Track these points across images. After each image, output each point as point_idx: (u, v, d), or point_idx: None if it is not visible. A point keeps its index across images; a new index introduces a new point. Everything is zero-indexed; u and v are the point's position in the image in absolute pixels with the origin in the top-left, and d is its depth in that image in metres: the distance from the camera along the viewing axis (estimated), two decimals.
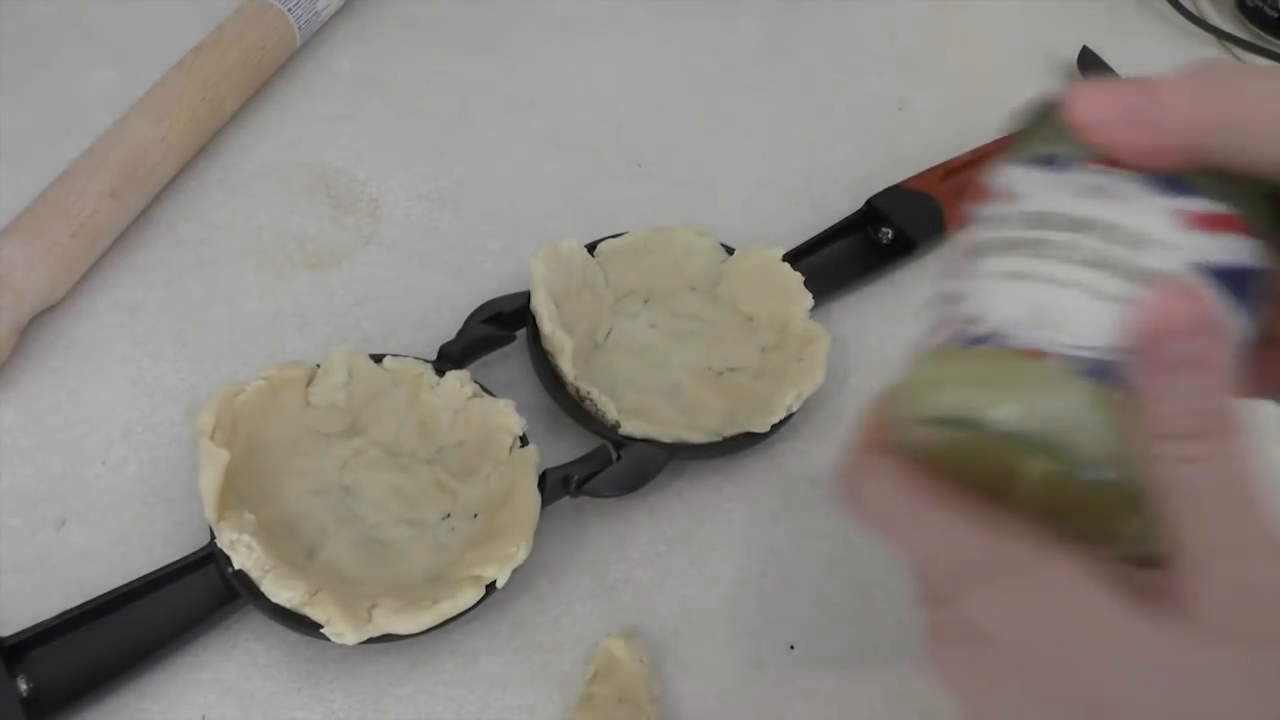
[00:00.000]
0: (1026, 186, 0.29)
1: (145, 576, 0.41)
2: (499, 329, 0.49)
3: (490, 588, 0.41)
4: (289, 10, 0.61)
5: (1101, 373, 0.26)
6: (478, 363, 0.49)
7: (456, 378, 0.47)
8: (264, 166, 0.58)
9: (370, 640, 0.40)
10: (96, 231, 0.51)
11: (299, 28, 0.61)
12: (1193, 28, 0.74)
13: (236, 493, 0.42)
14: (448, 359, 0.48)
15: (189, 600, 0.41)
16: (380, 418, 0.47)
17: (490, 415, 0.46)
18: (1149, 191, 0.27)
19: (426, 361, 0.48)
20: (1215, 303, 0.26)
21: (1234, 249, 0.27)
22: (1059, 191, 0.28)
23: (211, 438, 0.42)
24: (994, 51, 0.72)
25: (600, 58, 0.66)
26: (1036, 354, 0.26)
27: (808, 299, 0.51)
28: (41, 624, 0.40)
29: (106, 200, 0.51)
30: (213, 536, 0.41)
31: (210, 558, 0.42)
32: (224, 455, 0.42)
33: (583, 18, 0.69)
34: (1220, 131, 0.26)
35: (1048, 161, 0.29)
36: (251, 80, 0.59)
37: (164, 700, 0.41)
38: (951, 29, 0.73)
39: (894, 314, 0.56)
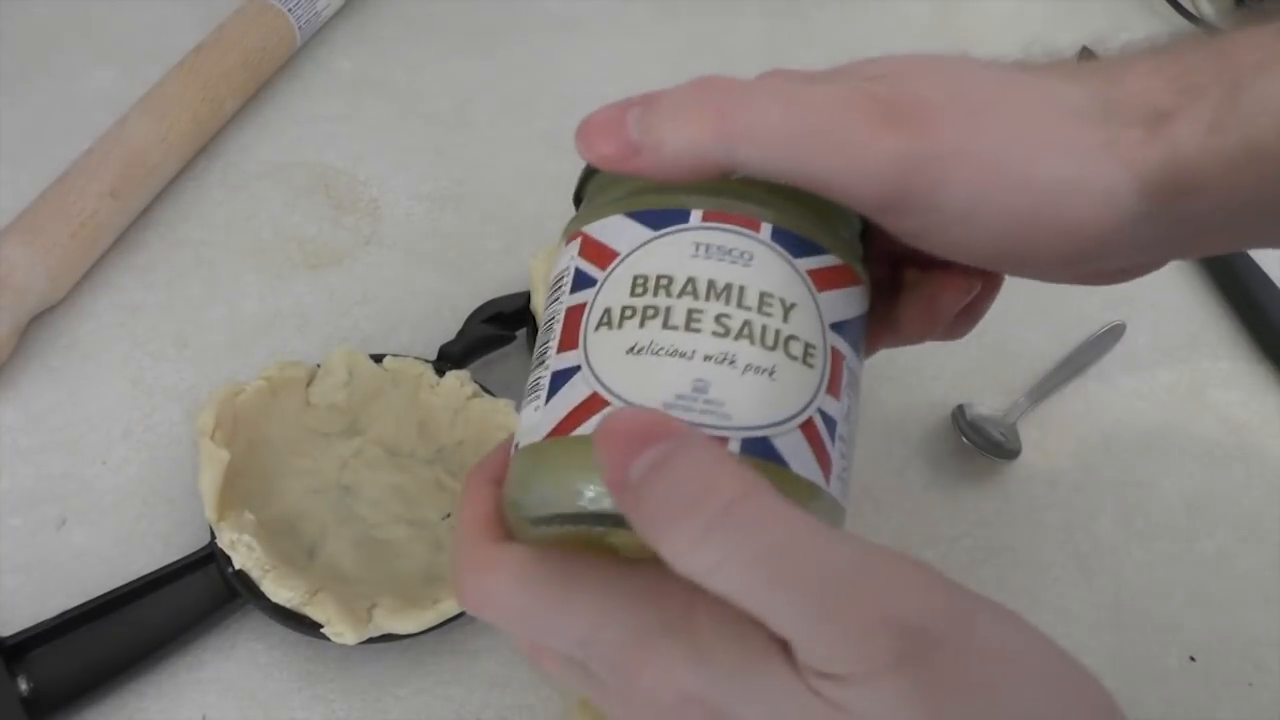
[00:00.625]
0: (624, 242, 0.27)
1: (145, 576, 0.41)
2: (499, 329, 0.49)
3: None
4: (289, 10, 0.60)
5: (765, 451, 0.25)
6: (478, 363, 0.49)
7: (456, 377, 0.47)
8: (264, 166, 0.58)
9: (370, 640, 0.40)
10: (96, 231, 0.51)
11: (299, 28, 0.61)
12: (1193, 28, 0.74)
13: (237, 493, 0.42)
14: (448, 359, 0.48)
15: (189, 600, 0.41)
16: (380, 418, 0.47)
17: (490, 415, 0.46)
18: (773, 251, 0.26)
19: (426, 361, 0.48)
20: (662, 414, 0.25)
21: (852, 301, 0.28)
22: (672, 251, 0.26)
23: (212, 438, 0.42)
24: (994, 51, 0.72)
25: (600, 58, 0.66)
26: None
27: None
28: (41, 624, 0.40)
29: (106, 200, 0.51)
30: (213, 536, 0.41)
31: (210, 558, 0.42)
32: (224, 455, 0.42)
33: (583, 18, 0.69)
34: (721, 148, 0.26)
35: (646, 217, 0.27)
36: (251, 80, 0.59)
37: (164, 700, 0.41)
38: (951, 29, 0.73)
39: None
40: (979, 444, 0.50)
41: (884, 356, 0.54)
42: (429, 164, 0.60)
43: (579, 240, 0.28)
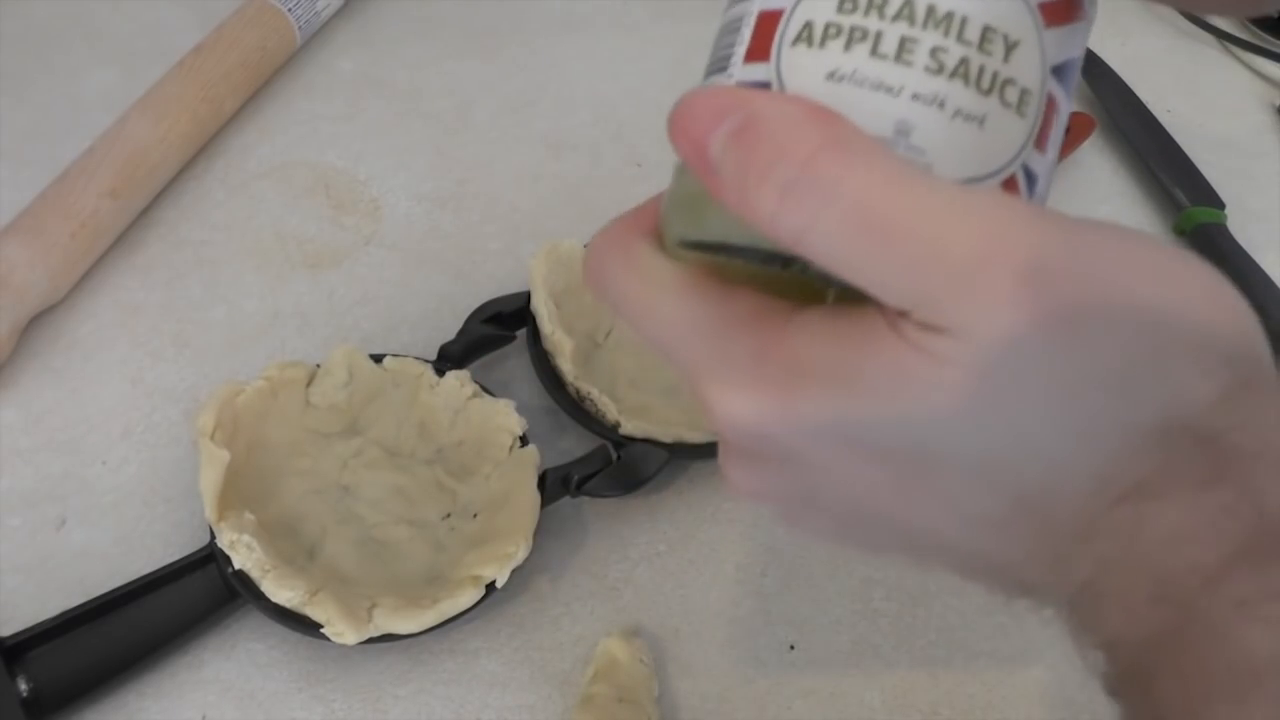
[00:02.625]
0: None
1: (145, 576, 0.41)
2: (499, 329, 0.49)
3: (490, 588, 0.41)
4: (289, 10, 0.60)
5: None
6: (478, 363, 0.49)
7: (456, 378, 0.47)
8: (264, 166, 0.58)
9: (370, 640, 0.40)
10: (96, 231, 0.51)
11: (299, 28, 0.61)
12: (1192, 28, 0.74)
13: (237, 493, 0.42)
14: (448, 359, 0.48)
15: (189, 600, 0.41)
16: (380, 418, 0.47)
17: (490, 415, 0.46)
18: None
19: (426, 361, 0.48)
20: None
21: (1077, 40, 0.24)
22: None
23: (212, 438, 0.42)
24: None
25: (600, 58, 0.66)
26: None
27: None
28: (41, 624, 0.40)
29: (106, 200, 0.51)
30: (213, 536, 0.41)
31: (210, 558, 0.42)
32: (224, 455, 0.42)
33: (583, 18, 0.69)
34: None
35: None
36: (251, 80, 0.59)
37: (164, 700, 0.41)
38: None
39: None
40: None
41: None
42: (429, 164, 0.60)
43: None
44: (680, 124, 0.23)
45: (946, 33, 0.23)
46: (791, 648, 0.44)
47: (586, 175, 0.60)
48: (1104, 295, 0.21)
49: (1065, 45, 0.24)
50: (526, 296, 0.49)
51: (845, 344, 0.23)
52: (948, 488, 0.24)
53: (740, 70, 0.25)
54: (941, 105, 0.23)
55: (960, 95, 0.23)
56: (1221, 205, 0.63)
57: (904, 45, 0.23)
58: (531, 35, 0.67)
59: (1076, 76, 0.25)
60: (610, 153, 0.61)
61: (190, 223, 0.55)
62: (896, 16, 0.23)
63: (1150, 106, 0.67)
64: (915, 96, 0.23)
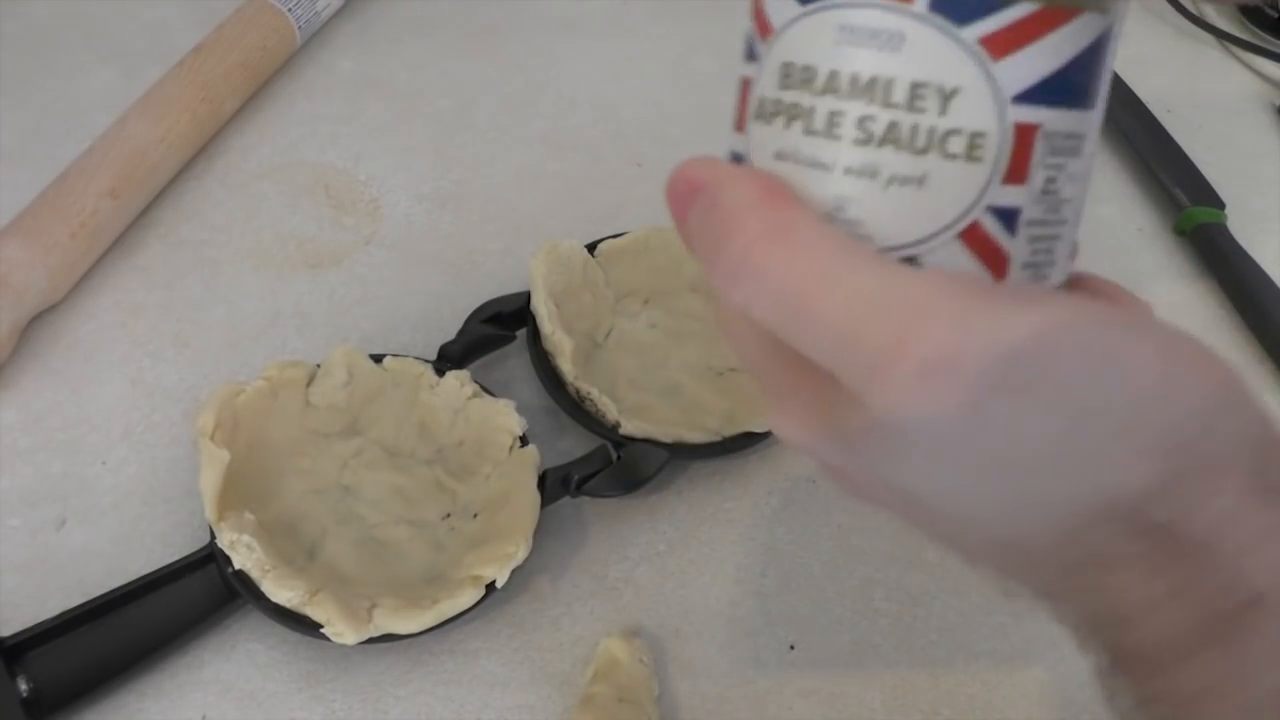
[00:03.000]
0: (778, 14, 0.24)
1: (145, 576, 0.41)
2: (499, 329, 0.49)
3: (490, 588, 0.41)
4: (289, 10, 0.61)
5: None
6: (478, 363, 0.49)
7: (456, 378, 0.47)
8: (264, 166, 0.58)
9: (370, 640, 0.40)
10: (96, 231, 0.51)
11: (299, 28, 0.61)
12: (1192, 28, 0.74)
13: (236, 493, 0.42)
14: (448, 359, 0.48)
15: (189, 600, 0.41)
16: (380, 418, 0.47)
17: (490, 415, 0.46)
18: (929, 26, 0.22)
19: (426, 361, 0.48)
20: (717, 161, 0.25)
21: (1058, 48, 0.23)
22: (815, 34, 0.23)
23: (212, 438, 0.42)
24: None
25: (600, 58, 0.66)
26: None
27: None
28: (41, 624, 0.40)
29: (106, 200, 0.51)
30: (213, 536, 0.41)
31: (210, 558, 0.42)
32: (224, 455, 0.42)
33: (583, 18, 0.69)
34: None
35: None
36: (251, 80, 0.59)
37: (164, 700, 0.41)
38: None
39: None
40: None
41: None
42: (429, 164, 0.60)
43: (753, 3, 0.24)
44: (671, 192, 0.26)
45: (871, 99, 0.23)
46: (791, 648, 0.44)
47: (586, 175, 0.60)
48: (1016, 381, 0.21)
49: (1035, 64, 0.23)
50: (526, 296, 0.49)
51: (838, 390, 0.24)
52: (935, 521, 0.26)
53: (730, 138, 0.26)
54: (874, 175, 0.23)
55: (892, 161, 0.23)
56: (1221, 205, 0.63)
57: (832, 119, 0.23)
58: (531, 35, 0.67)
59: (1088, 69, 0.24)
60: (610, 153, 0.61)
61: (190, 223, 0.55)
62: (824, 91, 0.23)
63: (1150, 106, 0.67)
64: (847, 170, 0.23)
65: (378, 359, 0.47)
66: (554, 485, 0.44)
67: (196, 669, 0.42)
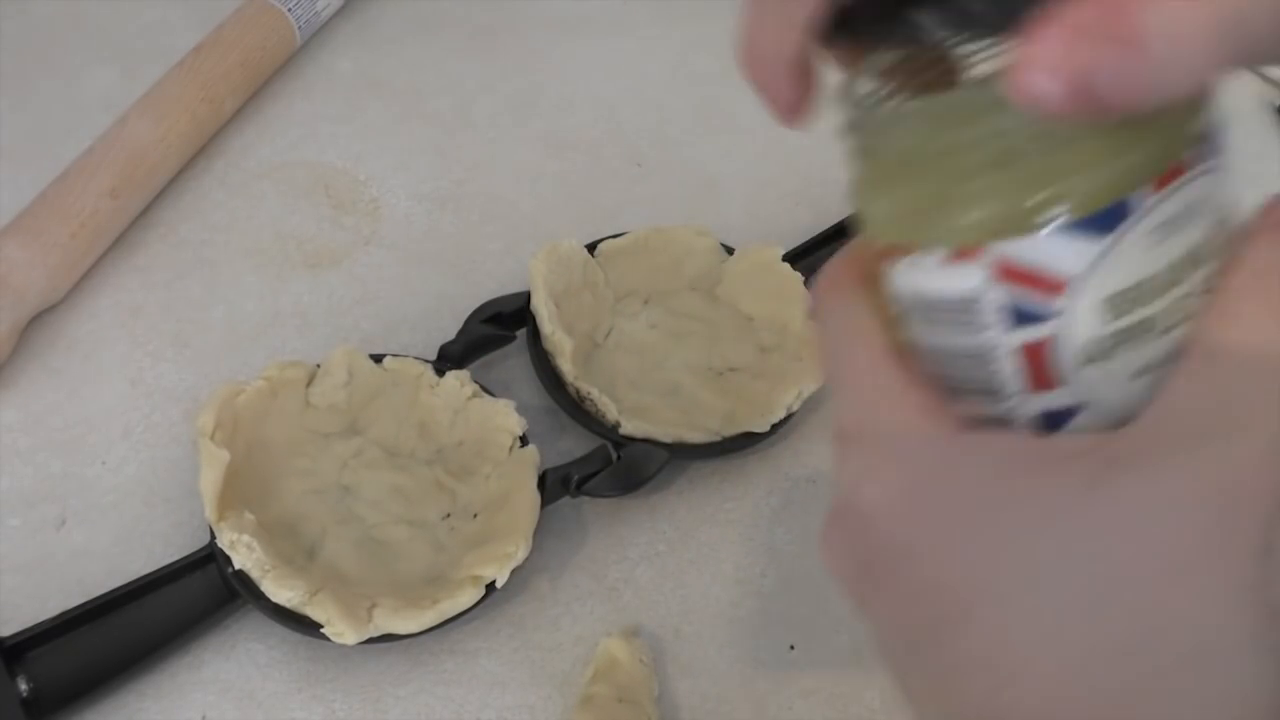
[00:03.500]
0: (1077, 263, 0.22)
1: (145, 576, 0.41)
2: (499, 329, 0.49)
3: (490, 588, 0.41)
4: (289, 10, 0.61)
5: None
6: (478, 363, 0.49)
7: (456, 378, 0.47)
8: (264, 166, 0.58)
9: (370, 640, 0.40)
10: (96, 231, 0.51)
11: (299, 28, 0.61)
12: None
13: (236, 493, 0.42)
14: (448, 359, 0.48)
15: (189, 600, 0.41)
16: (380, 418, 0.47)
17: (490, 415, 0.46)
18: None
19: (426, 361, 0.48)
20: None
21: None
22: (1141, 244, 0.22)
23: (212, 438, 0.42)
24: None
25: (600, 58, 0.66)
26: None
27: (808, 299, 0.51)
28: (41, 624, 0.40)
29: (106, 200, 0.51)
30: (213, 536, 0.41)
31: (210, 558, 0.42)
32: (224, 455, 0.42)
33: (583, 18, 0.69)
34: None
35: (1086, 225, 0.22)
36: (251, 80, 0.59)
37: (164, 700, 0.41)
38: None
39: None
40: None
41: None
42: (429, 164, 0.60)
43: (993, 264, 0.23)
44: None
45: (1196, 267, 0.23)
46: (791, 648, 0.44)
47: (586, 175, 0.60)
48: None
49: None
50: (526, 296, 0.49)
51: None
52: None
53: (1029, 401, 0.24)
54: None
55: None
56: None
57: (1176, 306, 0.23)
58: (531, 35, 0.67)
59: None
60: (610, 153, 0.61)
61: (190, 223, 0.55)
62: (1166, 287, 0.23)
63: None
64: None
65: (378, 359, 0.47)
66: (554, 485, 0.44)
67: (196, 669, 0.42)
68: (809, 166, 0.62)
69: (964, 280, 0.23)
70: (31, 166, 0.53)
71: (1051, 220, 0.22)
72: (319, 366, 0.47)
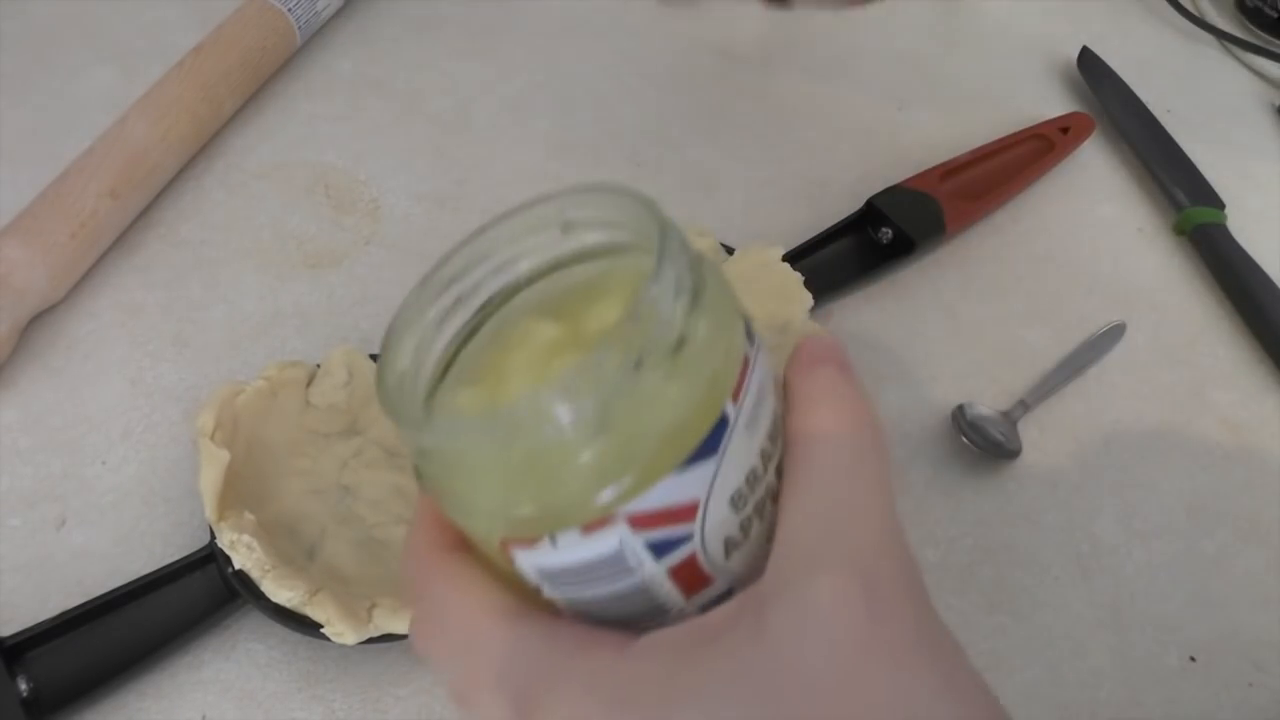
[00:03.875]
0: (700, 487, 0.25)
1: (145, 576, 0.41)
2: None
3: None
4: (289, 10, 0.61)
5: None
6: None
7: None
8: (264, 166, 0.58)
9: (370, 640, 0.40)
10: (96, 231, 0.51)
11: (299, 28, 0.61)
12: (1193, 28, 0.74)
13: (236, 493, 0.42)
14: None
15: (189, 600, 0.41)
16: (380, 418, 0.47)
17: None
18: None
19: None
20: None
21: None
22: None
23: (211, 438, 0.42)
24: (994, 52, 0.72)
25: (600, 58, 0.66)
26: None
27: (808, 299, 0.51)
28: (41, 624, 0.40)
29: (106, 200, 0.51)
30: (213, 536, 0.41)
31: (210, 558, 0.42)
32: (224, 455, 0.42)
33: (583, 18, 0.69)
34: None
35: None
36: (251, 80, 0.59)
37: (164, 700, 0.41)
38: (951, 29, 0.73)
39: (894, 314, 0.56)
40: (979, 444, 0.50)
41: (885, 357, 0.54)
42: (429, 164, 0.60)
43: (628, 521, 0.24)
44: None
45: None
46: None
47: (586, 175, 0.60)
48: None
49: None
50: None
51: None
52: None
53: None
54: None
55: None
56: (1221, 205, 0.63)
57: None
58: (531, 35, 0.67)
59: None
60: (610, 153, 0.61)
61: (190, 223, 0.55)
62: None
63: (1150, 106, 0.67)
64: None
65: (377, 359, 0.47)
66: None
67: (196, 669, 0.42)
68: (809, 166, 0.62)
69: (604, 544, 0.24)
70: (31, 166, 0.53)
71: (665, 470, 0.23)
72: (319, 366, 0.47)
